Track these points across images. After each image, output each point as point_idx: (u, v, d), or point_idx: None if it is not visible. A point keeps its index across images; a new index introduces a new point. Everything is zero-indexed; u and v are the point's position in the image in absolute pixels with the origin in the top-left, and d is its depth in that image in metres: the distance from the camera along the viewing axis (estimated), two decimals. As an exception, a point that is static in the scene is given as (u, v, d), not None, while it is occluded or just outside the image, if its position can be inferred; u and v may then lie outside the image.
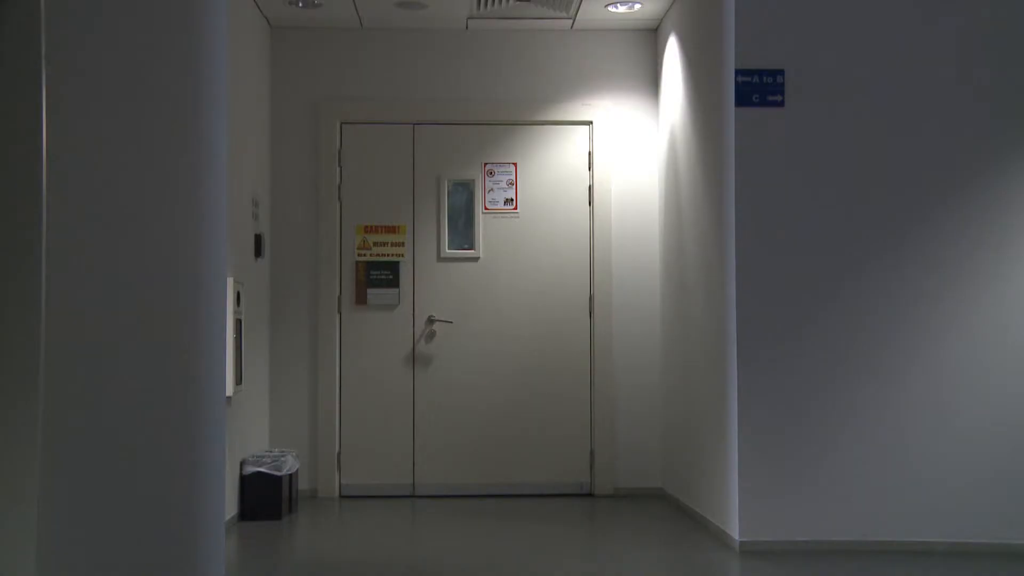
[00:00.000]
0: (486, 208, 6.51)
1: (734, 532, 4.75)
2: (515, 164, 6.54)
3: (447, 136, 6.56)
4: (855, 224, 4.80)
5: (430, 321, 6.44)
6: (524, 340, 6.24)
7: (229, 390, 5.21)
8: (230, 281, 5.18)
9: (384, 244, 6.50)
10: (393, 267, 6.47)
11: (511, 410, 6.15)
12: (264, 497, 5.55)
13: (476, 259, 6.48)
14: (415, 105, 6.55)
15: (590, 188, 6.54)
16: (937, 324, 4.77)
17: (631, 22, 6.46)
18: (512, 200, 6.52)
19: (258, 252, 6.06)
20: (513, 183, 6.53)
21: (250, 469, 5.56)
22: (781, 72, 4.81)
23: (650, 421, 6.47)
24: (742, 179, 4.80)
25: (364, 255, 6.50)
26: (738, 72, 4.79)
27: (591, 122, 6.57)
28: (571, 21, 6.43)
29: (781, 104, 4.80)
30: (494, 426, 6.08)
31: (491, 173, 6.53)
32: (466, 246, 6.50)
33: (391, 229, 6.51)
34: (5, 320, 2.02)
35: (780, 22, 4.84)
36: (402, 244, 6.50)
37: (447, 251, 6.46)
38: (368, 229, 6.52)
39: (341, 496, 6.38)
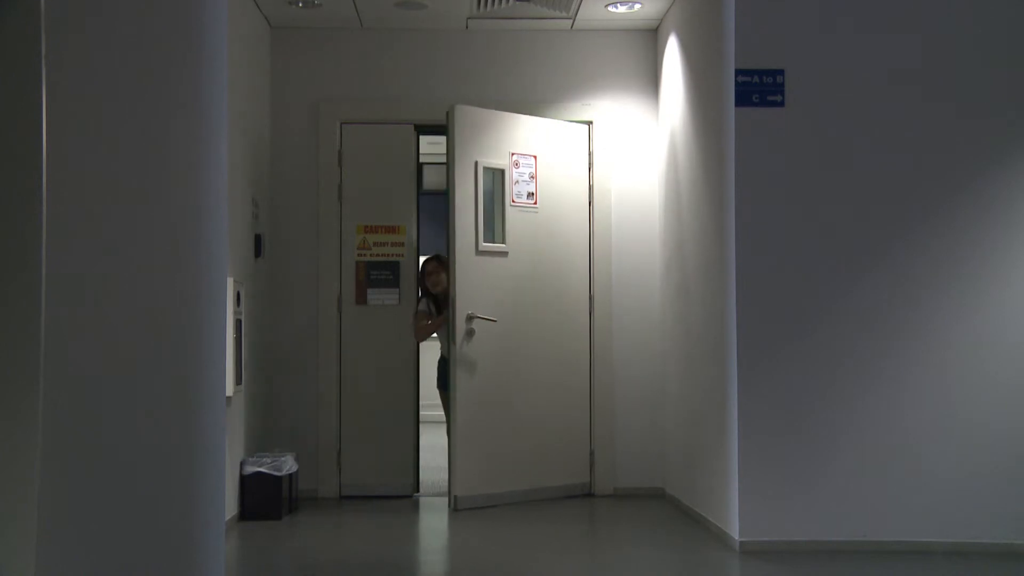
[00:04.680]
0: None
1: (734, 532, 4.75)
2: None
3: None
4: (855, 224, 4.80)
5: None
6: (524, 341, 6.22)
7: (229, 390, 5.21)
8: (230, 281, 5.18)
9: (384, 244, 6.50)
10: (393, 267, 6.47)
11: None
12: (264, 497, 5.56)
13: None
14: (415, 105, 6.55)
15: (590, 188, 6.54)
16: (937, 325, 4.77)
17: (631, 22, 6.46)
18: (512, 200, 6.51)
19: (258, 252, 6.06)
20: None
21: (250, 469, 5.56)
22: (781, 72, 4.81)
23: (650, 421, 6.47)
24: (742, 179, 4.80)
25: (364, 255, 6.50)
26: (738, 72, 4.79)
27: (591, 122, 6.57)
28: (571, 21, 6.43)
29: (781, 104, 4.80)
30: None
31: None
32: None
33: (391, 229, 6.51)
34: (5, 320, 2.02)
35: (780, 22, 4.84)
36: (402, 244, 6.50)
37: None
38: (368, 229, 6.51)
39: (341, 496, 6.37)
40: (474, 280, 6.01)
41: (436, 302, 6.29)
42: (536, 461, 6.19)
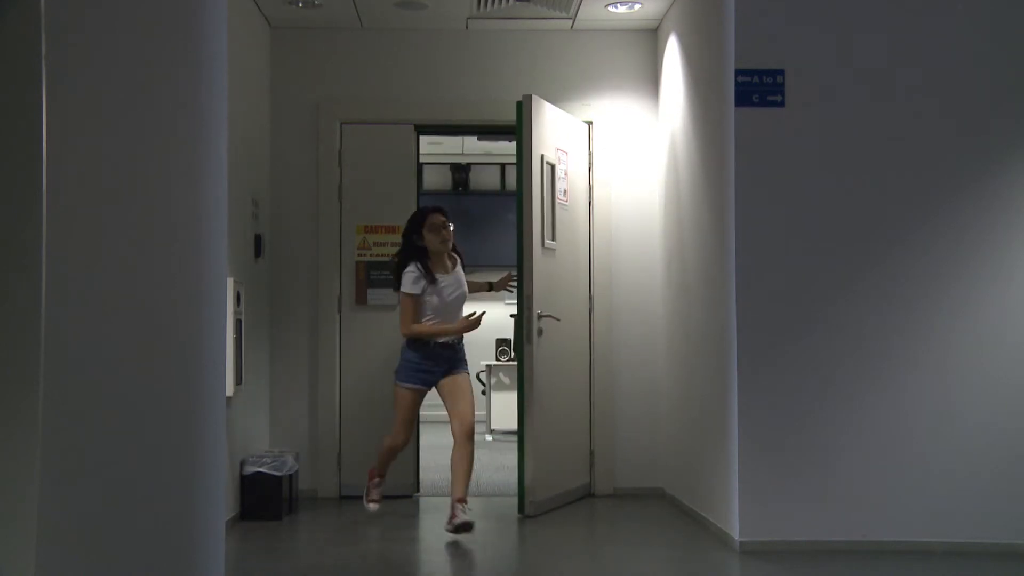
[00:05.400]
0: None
1: (734, 532, 4.75)
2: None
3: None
4: (855, 224, 4.80)
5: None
6: (564, 341, 6.17)
7: (229, 390, 5.21)
8: (230, 281, 5.18)
9: (384, 244, 6.50)
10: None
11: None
12: (264, 497, 5.56)
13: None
14: (415, 105, 6.55)
15: (590, 188, 6.54)
16: (937, 324, 4.77)
17: (631, 22, 6.46)
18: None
19: (258, 252, 6.06)
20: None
21: (250, 469, 5.56)
22: (781, 72, 4.81)
23: (650, 421, 6.47)
24: (742, 179, 4.80)
25: (364, 255, 6.50)
26: (738, 72, 4.79)
27: (591, 122, 6.57)
28: (571, 21, 6.43)
29: (781, 104, 4.80)
30: (554, 429, 6.03)
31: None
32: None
33: (391, 229, 6.50)
34: (5, 320, 2.02)
35: (780, 22, 4.84)
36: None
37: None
38: (368, 229, 6.52)
39: (341, 496, 6.37)
40: (540, 278, 5.83)
41: (425, 266, 5.27)
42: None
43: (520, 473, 5.75)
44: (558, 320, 5.90)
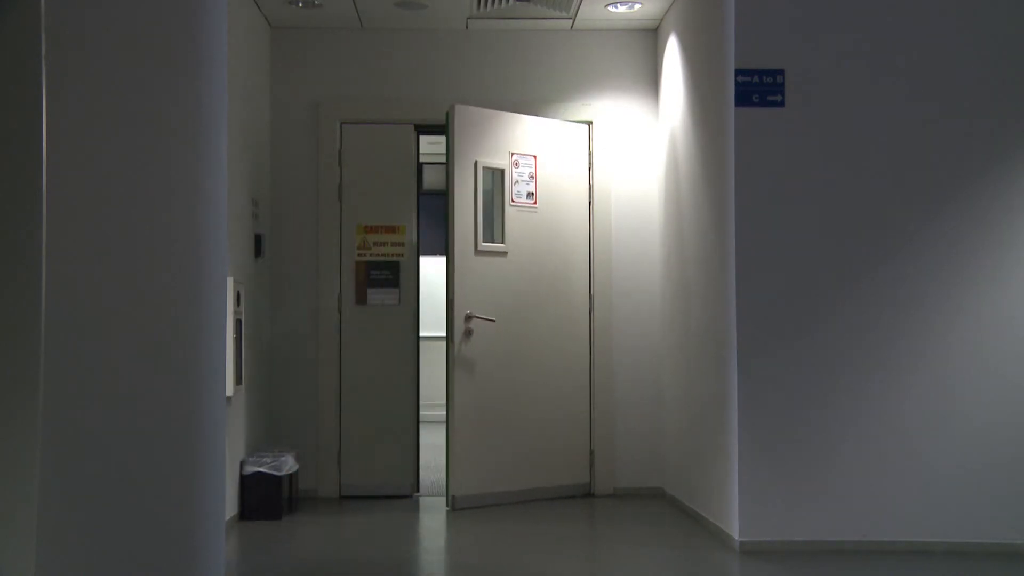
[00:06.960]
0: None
1: (734, 532, 4.75)
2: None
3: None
4: (855, 224, 4.80)
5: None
6: (525, 341, 6.22)
7: (229, 390, 5.21)
8: (230, 281, 5.18)
9: (384, 244, 6.50)
10: (393, 267, 6.47)
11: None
12: (264, 497, 5.56)
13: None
14: (415, 105, 6.55)
15: (590, 188, 6.54)
16: (937, 324, 4.77)
17: (631, 22, 6.46)
18: (512, 200, 6.51)
19: (258, 252, 6.06)
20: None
21: (250, 469, 5.56)
22: (781, 72, 4.81)
23: (650, 421, 6.47)
24: (742, 179, 4.80)
25: (364, 255, 6.51)
26: (738, 72, 4.79)
27: (591, 122, 6.57)
28: (571, 21, 6.43)
29: (781, 104, 4.80)
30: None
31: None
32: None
33: (391, 229, 6.51)
34: (5, 320, 2.02)
35: (780, 22, 4.84)
36: (402, 244, 6.50)
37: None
38: (368, 229, 6.52)
39: (341, 496, 6.37)
40: (473, 280, 6.00)
41: None
42: (536, 461, 6.19)
43: (447, 470, 5.94)
44: (492, 321, 6.02)
